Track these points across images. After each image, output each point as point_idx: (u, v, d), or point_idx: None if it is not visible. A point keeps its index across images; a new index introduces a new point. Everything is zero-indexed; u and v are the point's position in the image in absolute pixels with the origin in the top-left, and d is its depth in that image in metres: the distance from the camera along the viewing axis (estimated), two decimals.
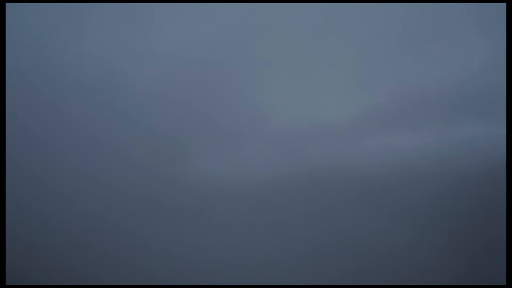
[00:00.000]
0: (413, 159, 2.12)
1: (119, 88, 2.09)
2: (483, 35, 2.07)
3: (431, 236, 2.20)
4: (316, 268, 2.24)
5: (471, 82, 2.09)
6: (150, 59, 2.07)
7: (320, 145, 2.13)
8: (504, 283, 2.04)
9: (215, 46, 2.08)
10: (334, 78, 2.10)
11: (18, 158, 2.10)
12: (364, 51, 2.10)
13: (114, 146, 2.11)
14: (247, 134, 2.12)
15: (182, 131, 2.11)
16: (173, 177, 2.12)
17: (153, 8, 2.08)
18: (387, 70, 2.09)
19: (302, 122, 2.11)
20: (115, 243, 2.16)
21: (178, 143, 2.12)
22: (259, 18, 2.07)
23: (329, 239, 2.18)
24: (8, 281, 2.06)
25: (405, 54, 2.10)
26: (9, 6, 2.04)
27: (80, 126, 2.09)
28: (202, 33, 2.08)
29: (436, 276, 2.24)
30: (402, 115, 2.13)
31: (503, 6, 1.99)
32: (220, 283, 2.20)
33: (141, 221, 2.13)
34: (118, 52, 2.08)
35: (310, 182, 2.13)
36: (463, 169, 2.12)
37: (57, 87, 2.07)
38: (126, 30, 2.08)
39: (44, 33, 2.09)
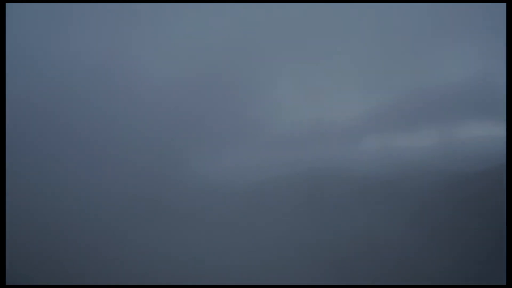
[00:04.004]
0: (414, 160, 2.12)
1: (119, 94, 2.09)
2: (485, 40, 2.07)
3: (432, 236, 2.20)
4: (316, 268, 2.24)
5: (471, 85, 2.09)
6: (150, 65, 2.07)
7: (320, 147, 2.13)
8: (504, 283, 2.04)
9: (215, 51, 2.08)
10: (336, 81, 2.10)
11: (18, 161, 2.09)
12: (365, 55, 2.10)
13: (114, 151, 2.11)
14: (247, 137, 2.12)
15: (182, 135, 2.11)
16: (175, 180, 2.12)
17: (155, 16, 2.08)
18: (388, 74, 2.09)
19: (302, 125, 2.11)
20: (115, 244, 2.17)
21: (178, 146, 2.12)
22: (260, 22, 2.07)
23: (329, 239, 2.18)
24: (8, 281, 2.06)
25: (407, 58, 2.11)
26: (8, 7, 2.04)
27: (81, 131, 2.09)
28: (203, 39, 2.08)
29: (436, 276, 2.24)
30: (403, 117, 2.13)
31: (504, 8, 1.98)
32: (219, 283, 2.21)
33: (141, 223, 2.13)
34: (119, 60, 2.08)
35: (310, 184, 2.13)
36: (464, 169, 2.13)
37: (59, 94, 2.07)
38: (127, 39, 2.08)
39: (42, 37, 2.08)
